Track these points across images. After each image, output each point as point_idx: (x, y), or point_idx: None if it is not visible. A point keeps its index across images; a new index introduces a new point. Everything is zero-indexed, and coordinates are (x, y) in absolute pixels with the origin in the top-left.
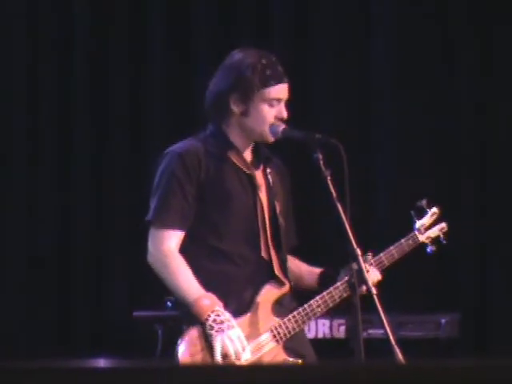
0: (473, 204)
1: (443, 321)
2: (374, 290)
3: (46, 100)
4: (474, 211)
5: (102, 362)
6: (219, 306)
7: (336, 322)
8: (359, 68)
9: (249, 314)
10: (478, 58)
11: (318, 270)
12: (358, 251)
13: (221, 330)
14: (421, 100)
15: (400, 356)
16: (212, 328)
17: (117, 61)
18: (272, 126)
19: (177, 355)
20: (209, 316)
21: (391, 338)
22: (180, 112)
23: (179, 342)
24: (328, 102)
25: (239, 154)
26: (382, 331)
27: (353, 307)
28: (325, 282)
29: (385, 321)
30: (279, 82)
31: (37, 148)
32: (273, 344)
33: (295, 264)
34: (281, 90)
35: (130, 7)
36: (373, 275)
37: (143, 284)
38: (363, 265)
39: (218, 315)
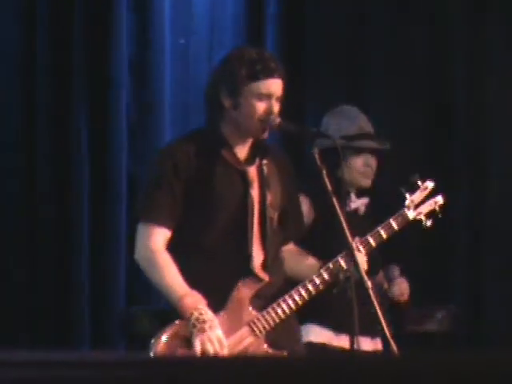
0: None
1: (439, 315)
2: (368, 284)
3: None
4: (469, 202)
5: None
6: (203, 305)
7: None
8: None
9: (226, 311)
10: None
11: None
12: (354, 245)
13: (203, 330)
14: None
15: (395, 350)
16: (194, 326)
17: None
18: (268, 120)
19: (153, 348)
20: (192, 314)
21: (387, 332)
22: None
23: (157, 336)
24: None
25: (231, 150)
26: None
27: (349, 301)
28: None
29: (380, 315)
30: (269, 76)
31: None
32: (252, 338)
33: (296, 257)
34: (270, 85)
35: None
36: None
37: (139, 280)
38: (359, 259)
39: (202, 314)
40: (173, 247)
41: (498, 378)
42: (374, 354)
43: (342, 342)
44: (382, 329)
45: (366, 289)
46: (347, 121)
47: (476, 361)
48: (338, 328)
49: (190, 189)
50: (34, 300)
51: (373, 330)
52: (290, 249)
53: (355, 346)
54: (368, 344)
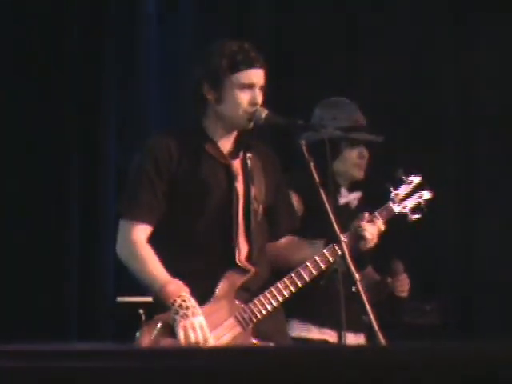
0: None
1: (428, 307)
2: (357, 277)
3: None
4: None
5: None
6: (186, 292)
7: None
8: None
9: (211, 303)
10: None
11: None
12: (342, 237)
13: (185, 316)
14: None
15: (383, 342)
16: (177, 313)
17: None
18: (254, 112)
19: (139, 339)
20: (175, 301)
21: (374, 323)
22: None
23: (143, 328)
24: None
25: (215, 144)
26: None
27: (335, 294)
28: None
29: (368, 307)
30: (250, 67)
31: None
32: (238, 329)
33: (289, 247)
34: (252, 75)
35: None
36: (371, 229)
37: (127, 270)
38: (346, 251)
39: (184, 301)
40: (158, 241)
41: (486, 368)
42: (361, 345)
43: (326, 336)
44: (370, 321)
45: (354, 281)
46: (342, 112)
47: (464, 352)
48: (321, 323)
49: (174, 183)
50: (26, 292)
51: (356, 326)
52: (288, 239)
53: (342, 340)
54: (351, 339)
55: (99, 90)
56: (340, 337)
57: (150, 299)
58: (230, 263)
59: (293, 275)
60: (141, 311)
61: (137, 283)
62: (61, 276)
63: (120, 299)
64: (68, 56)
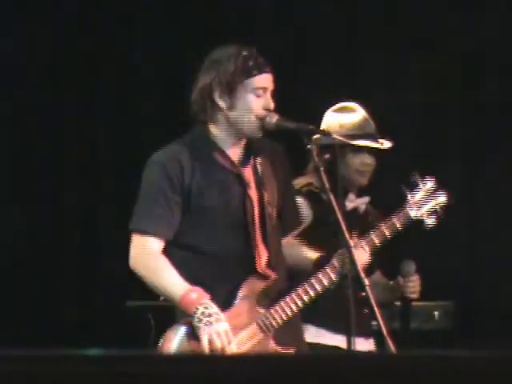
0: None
1: (436, 313)
2: (366, 282)
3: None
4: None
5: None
6: (207, 299)
7: None
8: None
9: (233, 309)
10: None
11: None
12: (351, 242)
13: (209, 323)
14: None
15: (392, 347)
16: (200, 321)
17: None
18: (265, 117)
19: (162, 346)
20: (197, 309)
21: (383, 329)
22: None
23: (164, 337)
24: None
25: (224, 153)
26: (375, 323)
27: (345, 298)
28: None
29: (377, 312)
30: (262, 71)
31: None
32: (261, 336)
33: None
34: (265, 80)
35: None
36: (360, 256)
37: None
38: (355, 256)
39: (206, 308)
40: (176, 252)
41: (492, 375)
42: (371, 352)
43: (337, 342)
44: (379, 326)
45: (364, 286)
46: (349, 120)
47: (471, 358)
48: (332, 328)
49: (187, 195)
50: (31, 295)
51: (366, 330)
52: (287, 241)
53: (351, 345)
54: (362, 344)
55: (99, 90)
56: (349, 342)
57: (159, 303)
58: (250, 271)
59: (312, 280)
60: (149, 316)
61: (146, 288)
62: (61, 276)
63: (130, 303)
64: (68, 56)
